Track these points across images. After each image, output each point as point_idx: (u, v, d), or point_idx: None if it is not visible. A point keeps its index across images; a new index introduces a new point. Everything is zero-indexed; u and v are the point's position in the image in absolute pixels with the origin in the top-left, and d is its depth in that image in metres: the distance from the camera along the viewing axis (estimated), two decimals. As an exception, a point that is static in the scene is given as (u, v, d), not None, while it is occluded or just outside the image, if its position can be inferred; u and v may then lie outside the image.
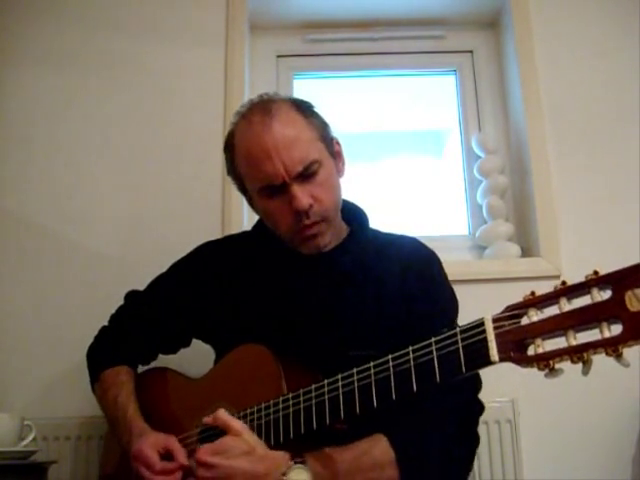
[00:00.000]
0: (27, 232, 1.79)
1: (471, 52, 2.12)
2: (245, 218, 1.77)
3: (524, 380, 1.64)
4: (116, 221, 1.81)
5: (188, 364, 1.33)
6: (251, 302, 1.20)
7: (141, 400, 1.21)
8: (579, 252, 1.76)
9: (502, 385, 1.63)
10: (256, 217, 1.31)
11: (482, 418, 1.57)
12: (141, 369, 1.34)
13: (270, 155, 1.08)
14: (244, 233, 1.39)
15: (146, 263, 1.35)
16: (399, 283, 1.16)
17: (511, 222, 1.93)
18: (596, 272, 0.76)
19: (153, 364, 1.35)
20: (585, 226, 1.80)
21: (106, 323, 1.35)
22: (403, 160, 2.11)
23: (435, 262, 1.24)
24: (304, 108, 1.16)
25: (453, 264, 1.82)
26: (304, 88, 2.07)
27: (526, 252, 1.86)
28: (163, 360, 1.35)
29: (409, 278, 1.17)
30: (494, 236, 1.89)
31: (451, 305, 1.19)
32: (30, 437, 1.46)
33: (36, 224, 1.80)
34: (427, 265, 1.23)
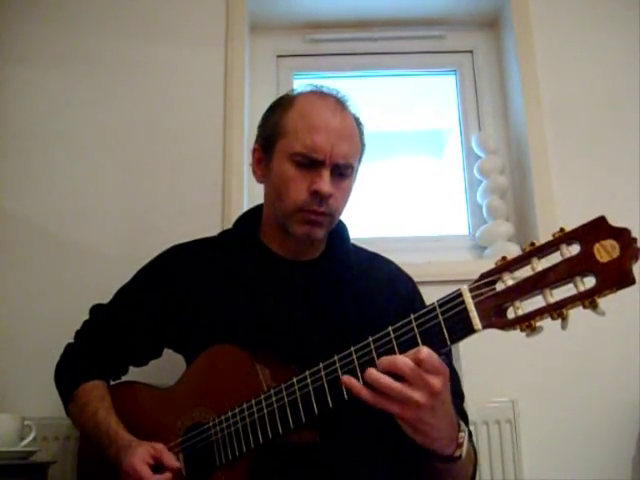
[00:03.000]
0: (26, 232, 1.79)
1: (471, 52, 2.12)
2: (245, 218, 1.77)
3: (524, 380, 1.65)
4: (116, 220, 1.81)
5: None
6: (222, 309, 1.16)
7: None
8: (579, 252, 1.76)
9: (502, 385, 1.63)
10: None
11: (482, 418, 1.60)
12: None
13: (330, 132, 1.10)
14: (215, 237, 1.33)
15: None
16: (380, 304, 1.16)
17: (511, 222, 1.93)
18: (562, 229, 0.79)
19: (123, 378, 1.31)
20: (585, 226, 1.80)
21: (72, 340, 1.31)
22: (403, 160, 2.11)
23: (416, 289, 1.26)
24: (360, 124, 1.20)
25: (453, 264, 1.84)
26: (304, 88, 2.07)
27: (526, 252, 1.86)
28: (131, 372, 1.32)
29: (391, 302, 1.17)
30: (494, 236, 1.89)
31: None
32: (30, 437, 1.46)
33: (36, 224, 1.80)
34: (413, 290, 1.25)
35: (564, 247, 0.79)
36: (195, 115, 1.88)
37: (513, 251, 1.84)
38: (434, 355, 0.85)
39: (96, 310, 1.31)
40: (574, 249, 0.78)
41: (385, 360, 0.87)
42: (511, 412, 1.61)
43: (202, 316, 1.18)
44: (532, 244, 0.82)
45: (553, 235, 0.80)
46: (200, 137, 1.86)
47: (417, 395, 0.84)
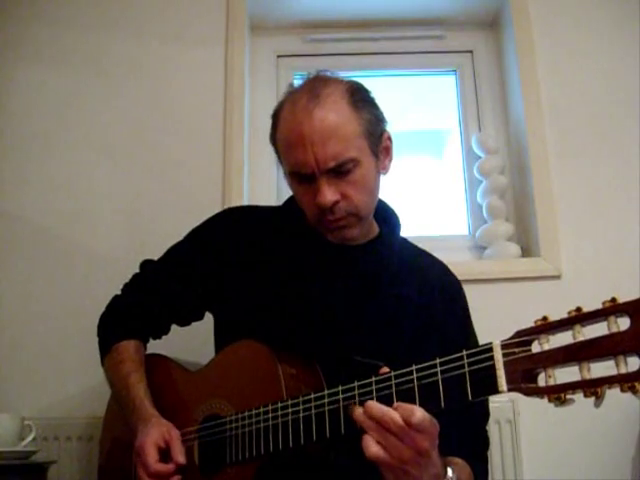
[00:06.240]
0: (26, 232, 1.79)
1: (471, 52, 2.12)
2: (245, 218, 1.77)
3: (524, 380, 1.65)
4: (116, 220, 1.81)
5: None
6: (266, 281, 1.17)
7: None
8: (579, 252, 1.76)
9: (502, 385, 1.62)
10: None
11: (482, 418, 1.59)
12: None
13: (304, 144, 1.03)
14: (270, 207, 1.34)
15: (146, 262, 1.35)
16: (424, 301, 1.15)
17: (511, 222, 1.93)
18: (614, 299, 0.72)
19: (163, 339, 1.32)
20: (585, 226, 1.80)
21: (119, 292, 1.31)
22: (403, 160, 2.10)
23: (463, 294, 1.24)
24: (358, 98, 1.09)
25: (453, 264, 1.82)
26: (304, 88, 2.07)
27: (526, 252, 1.86)
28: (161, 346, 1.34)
29: (437, 301, 1.16)
30: (494, 236, 1.89)
31: (477, 339, 1.18)
32: (30, 437, 1.46)
33: (36, 224, 1.80)
34: (459, 294, 1.23)
35: (612, 319, 0.71)
36: (195, 115, 1.88)
37: (513, 251, 1.84)
38: (426, 416, 0.82)
39: (146, 265, 1.32)
40: (623, 323, 0.70)
41: (375, 409, 0.85)
42: (511, 412, 1.61)
43: (245, 286, 1.18)
44: (578, 309, 0.74)
45: (603, 304, 0.72)
46: (200, 137, 1.87)
47: (404, 451, 0.83)
